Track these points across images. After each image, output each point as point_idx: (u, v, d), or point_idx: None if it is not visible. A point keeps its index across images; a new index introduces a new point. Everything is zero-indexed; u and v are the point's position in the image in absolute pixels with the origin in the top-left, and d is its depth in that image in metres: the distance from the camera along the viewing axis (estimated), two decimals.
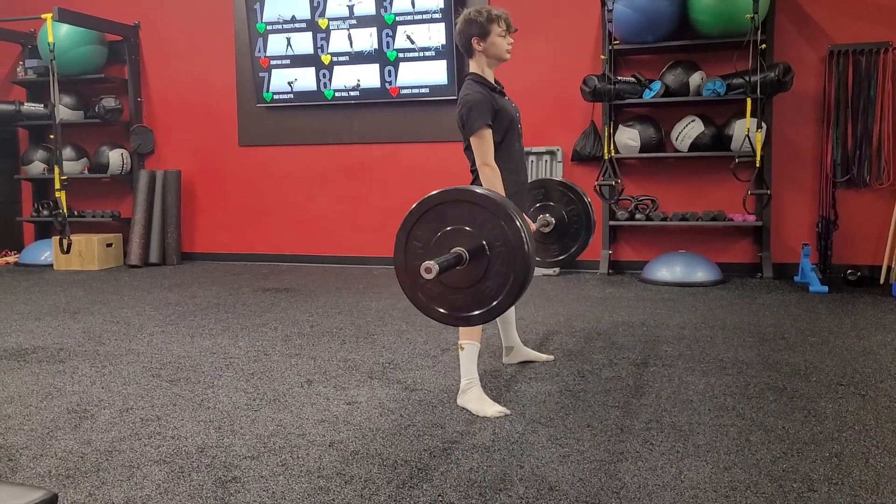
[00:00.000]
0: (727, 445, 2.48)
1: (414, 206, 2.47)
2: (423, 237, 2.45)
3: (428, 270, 2.25)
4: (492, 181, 2.96)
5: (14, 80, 7.90)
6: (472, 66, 3.15)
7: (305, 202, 7.42)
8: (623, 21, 5.92)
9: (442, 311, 2.46)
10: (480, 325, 2.96)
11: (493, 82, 3.14)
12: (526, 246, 2.33)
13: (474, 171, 3.12)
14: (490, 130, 3.00)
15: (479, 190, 2.45)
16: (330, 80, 7.08)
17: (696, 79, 6.04)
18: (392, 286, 5.95)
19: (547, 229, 3.75)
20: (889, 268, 5.73)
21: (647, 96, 6.08)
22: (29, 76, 7.77)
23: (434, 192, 2.45)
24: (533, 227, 3.43)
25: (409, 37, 6.76)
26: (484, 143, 2.98)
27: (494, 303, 2.38)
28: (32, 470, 2.35)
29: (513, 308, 3.50)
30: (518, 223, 2.33)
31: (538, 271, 3.89)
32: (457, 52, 6.64)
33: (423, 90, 6.84)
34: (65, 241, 6.57)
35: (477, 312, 2.41)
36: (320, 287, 5.98)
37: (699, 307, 4.92)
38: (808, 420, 2.71)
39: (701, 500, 2.10)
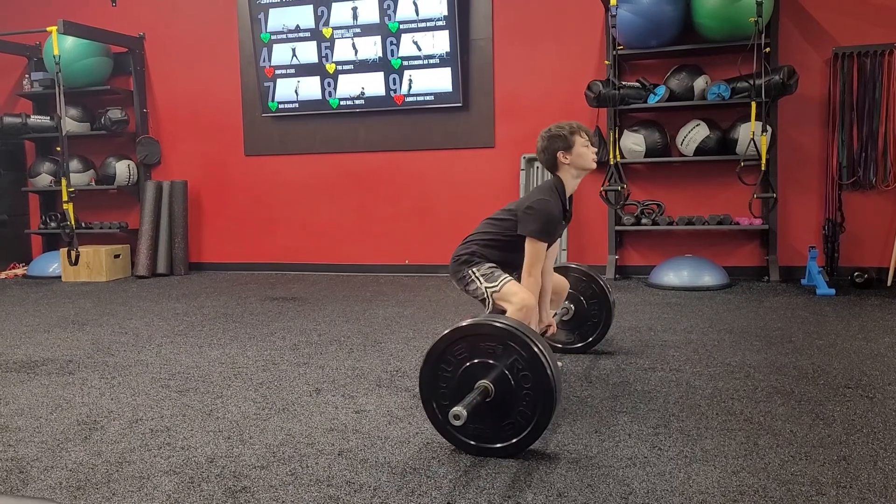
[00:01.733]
0: (735, 449, 2.47)
1: (439, 337, 2.53)
2: (450, 371, 2.51)
3: (456, 417, 2.30)
4: (532, 291, 3.10)
5: (20, 93, 7.95)
6: (559, 174, 3.24)
7: (311, 211, 7.44)
8: (627, 26, 5.93)
9: (472, 443, 2.50)
10: None
11: (568, 199, 3.26)
12: (553, 382, 2.39)
13: (477, 237, 3.29)
14: (544, 246, 3.14)
15: (499, 323, 2.48)
16: (335, 88, 7.10)
17: (700, 83, 6.04)
18: (399, 294, 5.96)
19: (568, 316, 3.85)
20: None
21: (652, 101, 6.09)
22: (35, 89, 7.81)
23: (459, 325, 2.51)
24: (553, 327, 3.50)
25: (415, 42, 6.77)
26: (535, 254, 3.11)
27: (524, 434, 2.43)
28: (43, 482, 2.37)
29: (534, 317, 3.51)
30: (549, 372, 2.38)
31: None
32: (461, 59, 6.66)
33: (428, 98, 6.87)
34: (73, 253, 6.60)
35: (499, 446, 2.46)
36: (327, 296, 5.99)
37: (706, 311, 4.92)
38: (816, 423, 2.71)
39: None
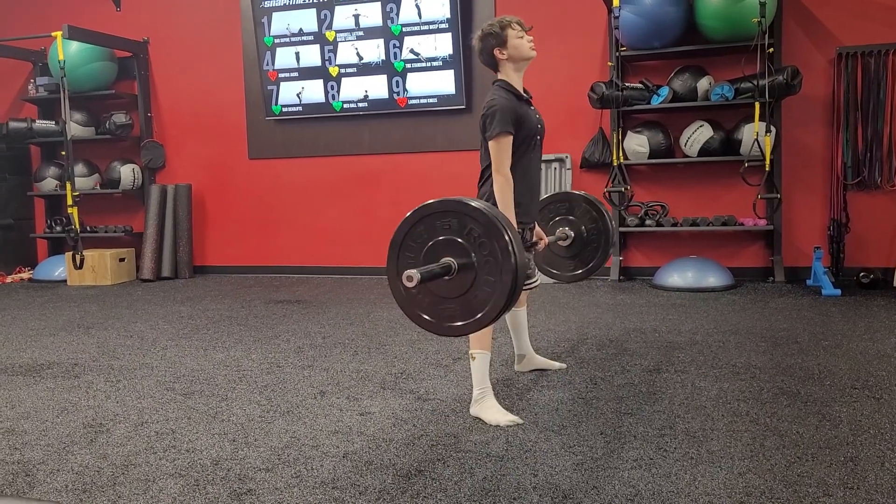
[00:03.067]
0: (741, 451, 2.47)
1: (407, 215, 2.49)
2: (415, 247, 2.48)
3: (409, 279, 2.27)
4: (503, 190, 2.97)
5: (25, 98, 7.98)
6: (500, 75, 3.15)
7: (316, 214, 7.45)
8: (630, 27, 5.93)
9: (429, 318, 2.49)
10: (490, 335, 2.97)
11: (520, 90, 3.15)
12: (514, 258, 2.34)
13: (482, 173, 3.13)
14: (510, 138, 3.00)
15: (472, 203, 2.45)
16: (338, 91, 7.11)
17: (703, 84, 6.04)
18: None
19: (565, 243, 3.75)
20: None
21: (656, 102, 6.09)
22: (40, 94, 7.84)
23: (426, 203, 2.47)
24: (545, 240, 3.43)
25: (412, 50, 6.78)
26: (501, 151, 2.98)
27: (480, 314, 2.40)
28: (49, 485, 2.37)
29: (524, 315, 3.51)
30: (507, 236, 2.35)
31: (547, 279, 3.89)
32: (464, 62, 6.66)
33: (431, 100, 6.87)
34: (78, 257, 6.62)
35: (461, 323, 2.44)
36: (331, 298, 5.99)
37: (711, 312, 4.91)
38: (823, 424, 2.70)
39: None
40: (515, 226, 3.09)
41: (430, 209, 2.46)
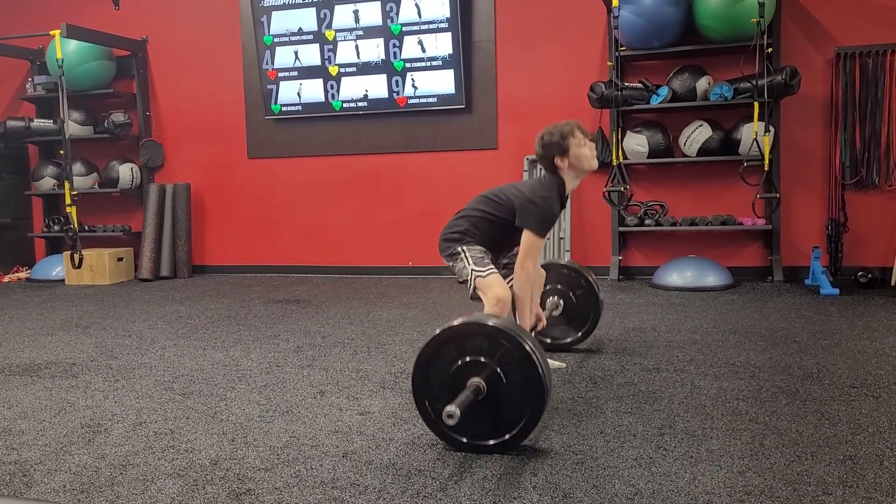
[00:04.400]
0: (741, 450, 2.47)
1: (431, 338, 2.53)
2: (440, 371, 2.52)
3: (450, 416, 2.30)
4: (524, 286, 3.17)
5: (23, 97, 7.98)
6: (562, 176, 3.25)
7: (315, 213, 7.44)
8: (629, 27, 5.93)
9: (463, 440, 2.50)
10: None
11: (566, 195, 3.28)
12: (543, 378, 2.40)
13: (469, 213, 3.30)
14: (542, 241, 3.17)
15: (491, 322, 2.50)
16: (338, 91, 7.11)
17: (703, 83, 6.04)
18: (402, 296, 5.96)
19: (557, 311, 3.85)
20: None
21: (655, 102, 6.09)
22: (38, 92, 7.83)
23: (448, 325, 2.52)
24: (543, 321, 3.54)
25: (420, 42, 6.78)
26: (532, 248, 3.14)
27: (510, 433, 2.45)
28: (47, 485, 2.36)
29: (526, 314, 3.51)
30: (536, 357, 2.40)
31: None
32: (464, 61, 6.66)
33: (430, 100, 6.87)
34: (76, 256, 6.61)
35: (493, 442, 2.47)
36: (331, 298, 5.99)
37: (710, 312, 4.91)
38: (822, 423, 2.70)
39: None
40: (535, 318, 3.42)
41: (455, 331, 2.51)
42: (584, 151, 3.18)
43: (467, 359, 2.47)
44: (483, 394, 2.43)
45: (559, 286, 3.85)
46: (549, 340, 3.88)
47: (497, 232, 3.25)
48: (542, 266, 3.73)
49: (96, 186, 7.79)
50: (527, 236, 3.12)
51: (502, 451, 2.47)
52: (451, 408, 2.30)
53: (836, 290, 5.38)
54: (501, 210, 3.23)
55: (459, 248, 3.23)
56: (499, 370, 2.43)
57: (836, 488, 2.16)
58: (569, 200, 3.42)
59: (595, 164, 3.24)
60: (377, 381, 3.46)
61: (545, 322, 3.55)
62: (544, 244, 3.34)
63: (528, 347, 2.41)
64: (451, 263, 3.29)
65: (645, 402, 3.01)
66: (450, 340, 2.51)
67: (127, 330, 4.89)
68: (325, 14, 6.98)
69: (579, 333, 3.89)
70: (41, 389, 3.49)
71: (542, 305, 3.73)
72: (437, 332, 2.53)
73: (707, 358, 3.70)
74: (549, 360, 3.59)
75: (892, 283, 5.70)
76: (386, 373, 3.61)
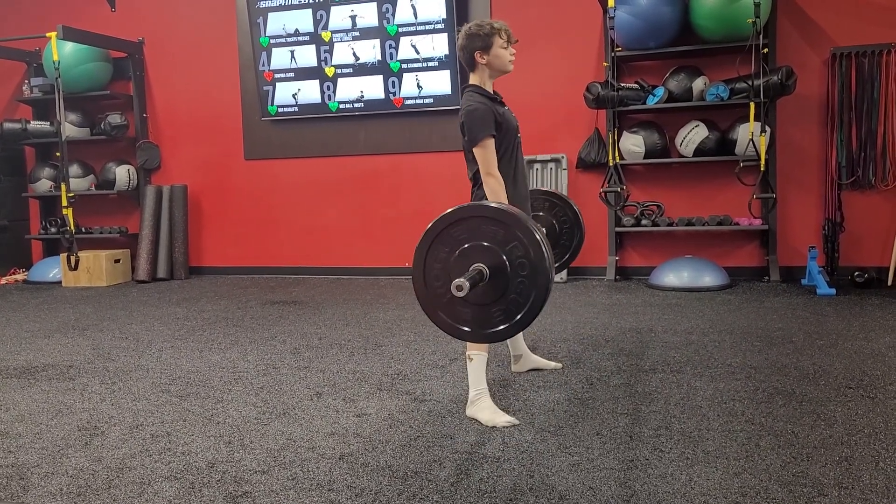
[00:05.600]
0: (736, 451, 2.47)
1: (429, 225, 2.49)
2: (442, 257, 2.48)
3: (459, 288, 2.27)
4: (496, 191, 2.97)
5: (20, 99, 7.97)
6: (473, 79, 3.17)
7: (312, 215, 7.44)
8: (625, 27, 5.94)
9: (466, 328, 2.48)
10: None
11: (492, 93, 3.15)
12: (546, 258, 2.35)
13: (474, 180, 3.14)
14: (493, 140, 3.01)
15: (492, 204, 2.47)
16: (334, 92, 7.11)
17: (699, 84, 6.05)
18: (399, 297, 5.96)
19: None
20: None
21: (651, 102, 6.09)
22: (35, 94, 7.83)
23: (449, 211, 2.47)
24: None
25: (413, 45, 6.78)
26: (488, 154, 2.99)
27: (519, 316, 2.40)
28: (44, 488, 2.36)
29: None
30: (537, 236, 2.36)
31: None
32: (460, 62, 6.66)
33: (427, 100, 6.87)
34: (73, 258, 6.61)
35: (502, 328, 2.44)
36: (328, 299, 5.99)
37: (707, 312, 4.92)
38: (818, 424, 2.70)
39: None
40: None
41: (456, 216, 2.46)
42: (504, 53, 3.14)
43: (473, 243, 2.43)
44: (486, 278, 2.39)
45: (541, 213, 3.80)
46: None
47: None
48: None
49: (93, 188, 7.79)
50: (476, 151, 3.00)
51: (512, 335, 2.46)
52: (461, 280, 2.27)
53: (833, 290, 5.38)
54: (475, 161, 3.08)
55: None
56: (504, 257, 2.39)
57: (832, 489, 2.17)
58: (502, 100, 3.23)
59: (511, 66, 3.18)
60: (374, 383, 3.46)
61: None
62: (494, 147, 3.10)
63: (538, 235, 2.37)
64: None
65: (641, 404, 3.02)
66: (460, 222, 2.46)
67: (124, 332, 4.89)
68: (321, 15, 6.98)
69: (558, 263, 3.82)
70: (38, 392, 3.49)
71: None
72: (448, 211, 2.47)
73: (703, 359, 3.71)
74: (545, 361, 3.62)
75: (889, 283, 5.72)
76: (383, 374, 3.62)
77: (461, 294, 2.27)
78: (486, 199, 2.99)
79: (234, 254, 7.72)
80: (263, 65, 7.24)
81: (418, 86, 6.84)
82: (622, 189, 5.88)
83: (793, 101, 6.00)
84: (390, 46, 6.84)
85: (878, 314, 4.68)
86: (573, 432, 2.70)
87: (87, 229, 7.80)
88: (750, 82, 5.56)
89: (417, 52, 6.76)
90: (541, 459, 2.46)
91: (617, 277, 6.46)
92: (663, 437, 2.62)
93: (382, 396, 3.25)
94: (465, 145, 3.10)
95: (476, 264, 2.41)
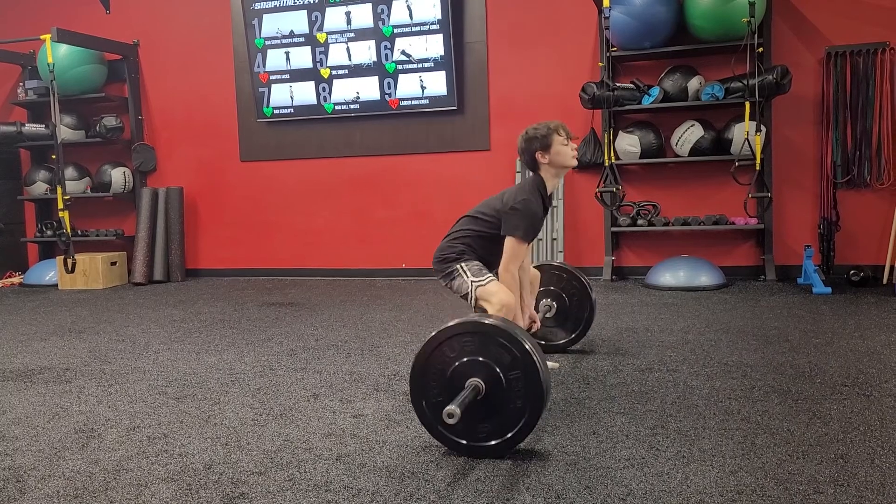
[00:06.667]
0: (733, 449, 2.48)
1: (427, 340, 2.51)
2: (438, 372, 2.50)
3: (450, 416, 2.28)
4: (510, 286, 3.15)
5: (15, 102, 7.96)
6: (542, 174, 3.27)
7: (308, 216, 7.45)
8: (620, 28, 5.95)
9: (461, 441, 2.49)
10: None
11: (549, 195, 3.28)
12: (541, 372, 2.38)
13: (461, 234, 3.32)
14: (526, 246, 3.18)
15: (488, 320, 2.50)
16: (330, 93, 7.11)
17: (694, 83, 6.06)
18: (395, 297, 5.96)
19: (550, 313, 3.86)
20: (892, 267, 5.74)
21: (646, 102, 6.10)
22: (29, 97, 7.82)
23: (445, 326, 2.50)
24: (537, 323, 3.57)
25: (403, 52, 6.78)
26: (518, 253, 3.17)
27: (512, 432, 2.43)
28: (41, 491, 2.36)
29: (519, 315, 3.52)
30: (531, 350, 2.39)
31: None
32: (455, 62, 6.67)
33: (422, 101, 6.87)
34: (69, 261, 6.60)
35: (493, 443, 2.46)
36: (324, 300, 5.99)
37: (703, 311, 4.92)
38: (814, 422, 2.71)
39: None
40: (529, 320, 3.45)
41: (452, 331, 2.48)
42: (566, 150, 3.23)
43: (465, 359, 2.46)
44: (482, 394, 2.43)
45: (552, 288, 3.87)
46: (542, 342, 3.89)
47: (491, 247, 3.26)
48: (535, 267, 3.75)
49: (89, 191, 7.78)
50: (510, 242, 3.15)
51: (499, 454, 2.47)
52: (452, 407, 2.30)
53: (829, 289, 5.40)
54: (490, 225, 3.26)
55: (457, 266, 3.25)
56: (498, 370, 2.42)
57: (828, 487, 2.17)
58: (559, 201, 3.41)
59: (574, 162, 3.28)
60: (371, 384, 3.46)
61: (539, 324, 3.57)
62: (531, 246, 3.33)
63: (527, 346, 2.40)
64: (447, 282, 3.30)
65: (637, 403, 3.02)
66: (449, 340, 2.49)
67: (120, 334, 4.89)
68: (316, 16, 6.98)
69: (573, 335, 3.91)
70: (35, 395, 3.49)
71: (536, 308, 3.74)
72: (435, 332, 2.51)
73: (699, 358, 3.71)
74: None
75: (884, 282, 5.73)
76: (379, 375, 3.62)
77: (452, 422, 2.29)
78: (469, 244, 3.25)
79: (230, 256, 7.72)
80: (259, 66, 7.25)
81: (422, 86, 6.85)
82: (618, 189, 5.89)
83: (788, 100, 6.01)
84: (385, 47, 6.84)
85: (874, 312, 4.69)
86: (569, 431, 2.70)
87: (83, 232, 7.80)
88: (745, 82, 5.57)
89: (407, 57, 6.76)
90: (537, 458, 2.46)
91: (613, 277, 6.46)
92: (659, 436, 2.62)
93: (379, 397, 3.25)
94: (486, 213, 3.28)
95: (472, 379, 2.44)
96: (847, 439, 2.53)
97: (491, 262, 3.29)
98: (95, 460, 2.60)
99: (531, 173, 3.30)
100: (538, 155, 3.20)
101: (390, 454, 2.56)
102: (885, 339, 3.97)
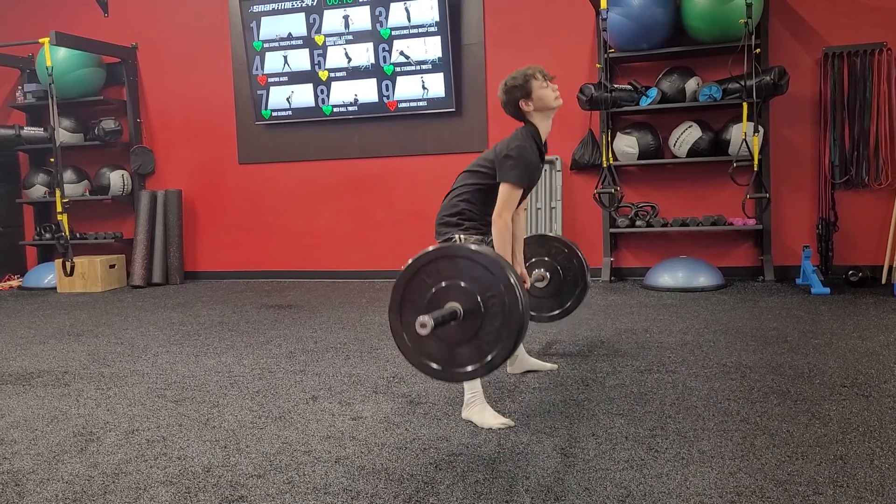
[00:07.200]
0: (732, 450, 2.48)
1: (409, 262, 2.49)
2: (418, 294, 2.47)
3: (423, 325, 2.27)
4: (503, 235, 3.06)
5: (13, 105, 7.95)
6: (532, 121, 3.23)
7: (307, 218, 7.44)
8: (617, 29, 5.95)
9: (436, 366, 2.48)
10: None
11: (543, 142, 3.24)
12: (520, 302, 2.35)
13: (460, 190, 3.26)
14: (520, 191, 3.11)
15: (472, 246, 2.48)
16: (328, 95, 7.11)
17: (692, 84, 6.06)
18: None
19: (542, 283, 3.83)
20: (891, 267, 5.74)
21: (644, 103, 6.11)
22: (28, 100, 7.81)
23: (428, 249, 2.48)
24: (528, 281, 3.53)
25: (402, 52, 6.79)
26: (511, 199, 3.09)
27: (489, 357, 2.40)
28: (39, 495, 2.36)
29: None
30: (512, 280, 2.36)
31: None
32: (454, 64, 6.67)
33: (421, 103, 6.87)
34: (68, 264, 6.59)
35: (471, 368, 2.43)
36: (323, 303, 5.99)
37: (701, 312, 4.93)
38: (813, 423, 2.71)
39: None
40: (520, 273, 3.34)
41: (429, 256, 2.46)
42: (547, 92, 3.20)
43: (442, 284, 2.42)
44: (459, 317, 2.39)
45: (546, 258, 3.82)
46: (532, 313, 3.86)
47: (489, 200, 3.19)
48: (534, 237, 3.73)
49: (87, 194, 7.78)
50: (504, 188, 3.09)
51: (481, 376, 2.46)
52: (424, 317, 2.27)
53: (827, 290, 5.40)
54: (486, 177, 3.20)
55: (456, 236, 3.22)
56: (475, 293, 2.38)
57: (827, 488, 2.17)
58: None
59: (559, 101, 3.24)
60: (369, 386, 3.46)
61: (529, 283, 3.51)
62: (527, 211, 3.23)
63: (501, 266, 2.37)
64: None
65: (636, 404, 3.02)
66: (424, 268, 2.46)
67: (119, 337, 4.88)
68: (314, 19, 6.98)
69: (558, 311, 3.86)
70: (33, 398, 3.49)
71: (528, 273, 3.71)
72: (425, 251, 2.47)
73: (698, 359, 3.71)
74: (540, 363, 3.63)
75: (883, 282, 5.73)
76: (378, 377, 3.62)
77: (425, 332, 2.27)
78: (465, 208, 3.18)
79: (229, 258, 7.72)
80: (257, 69, 7.25)
81: (423, 87, 6.84)
82: (616, 190, 5.89)
83: (785, 100, 6.02)
84: (384, 49, 6.84)
85: (873, 313, 4.70)
86: (569, 433, 2.70)
87: (81, 235, 7.79)
88: (742, 82, 5.58)
89: (407, 58, 6.77)
90: (536, 460, 2.46)
91: (612, 278, 6.47)
92: (659, 438, 2.62)
93: (378, 399, 3.25)
94: (483, 164, 3.21)
95: (451, 303, 2.41)
96: (846, 440, 2.53)
97: (490, 220, 3.23)
98: (94, 464, 2.60)
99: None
100: (522, 103, 3.17)
101: (389, 456, 2.56)
102: (884, 339, 3.97)
